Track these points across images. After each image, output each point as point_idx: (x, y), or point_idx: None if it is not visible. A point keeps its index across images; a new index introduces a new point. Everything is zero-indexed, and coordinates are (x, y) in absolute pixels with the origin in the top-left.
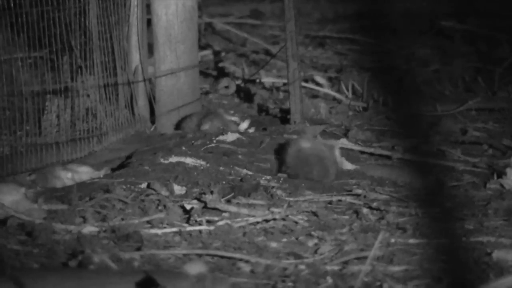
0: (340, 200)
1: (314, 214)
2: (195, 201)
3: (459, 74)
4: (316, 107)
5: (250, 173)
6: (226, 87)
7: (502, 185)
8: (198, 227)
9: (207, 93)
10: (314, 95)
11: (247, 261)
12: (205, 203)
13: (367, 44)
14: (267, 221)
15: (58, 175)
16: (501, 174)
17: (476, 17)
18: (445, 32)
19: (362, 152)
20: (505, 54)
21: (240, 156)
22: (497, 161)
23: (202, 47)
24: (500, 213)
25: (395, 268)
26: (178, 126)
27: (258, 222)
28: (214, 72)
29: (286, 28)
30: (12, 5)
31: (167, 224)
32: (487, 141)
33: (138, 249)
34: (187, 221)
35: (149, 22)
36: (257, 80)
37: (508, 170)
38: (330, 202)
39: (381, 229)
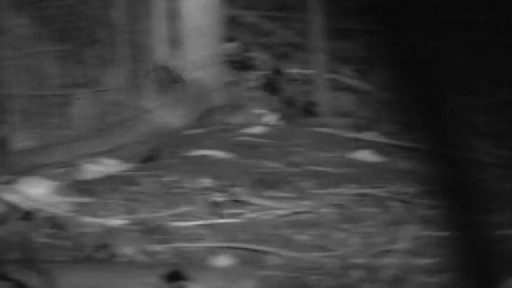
0: (367, 193)
1: (342, 206)
2: (222, 194)
3: (488, 66)
4: (343, 100)
5: (277, 165)
6: (253, 79)
7: None
8: (225, 220)
9: (233, 85)
10: (341, 88)
11: (275, 254)
12: (232, 195)
13: (394, 37)
14: (294, 213)
15: (86, 168)
16: None
17: (508, 9)
18: (474, 23)
19: (389, 145)
20: None
21: (267, 149)
22: None
23: (228, 40)
24: None
25: (423, 261)
26: (204, 118)
27: (285, 215)
28: (240, 65)
29: (312, 20)
30: None
31: (194, 216)
32: None
33: (165, 242)
34: (214, 213)
35: (174, 15)
36: (284, 73)
37: None
38: (358, 195)
39: (408, 222)
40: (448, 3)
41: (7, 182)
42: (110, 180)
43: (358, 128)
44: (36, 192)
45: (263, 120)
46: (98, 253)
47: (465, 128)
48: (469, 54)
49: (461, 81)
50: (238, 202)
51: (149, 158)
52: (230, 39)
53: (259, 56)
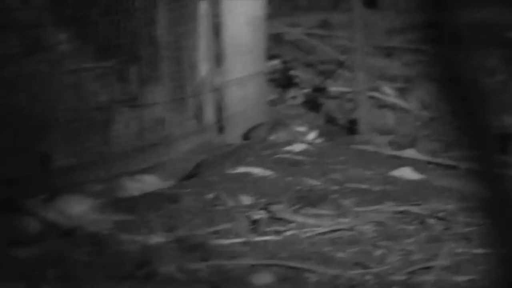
0: (406, 210)
1: (381, 224)
2: (262, 211)
3: None
4: (384, 117)
5: (317, 183)
6: (294, 97)
7: None
8: (265, 237)
9: (275, 103)
10: (382, 105)
11: (314, 272)
12: (272, 213)
13: (435, 55)
14: (334, 231)
15: (126, 186)
16: None
17: None
18: None
19: (429, 162)
20: None
21: (307, 167)
22: None
23: (270, 57)
24: None
25: (461, 278)
26: (245, 136)
27: (325, 232)
28: (282, 82)
29: (354, 38)
30: (79, 15)
31: (234, 234)
32: None
33: (205, 259)
34: (254, 231)
35: (218, 32)
36: (325, 90)
37: None
38: (397, 212)
39: (448, 239)
40: (490, 22)
41: (47, 200)
42: (151, 198)
43: (398, 146)
44: (76, 209)
45: (304, 137)
46: (139, 271)
47: (504, 145)
48: (510, 72)
49: (502, 99)
50: (278, 220)
51: (190, 176)
52: (273, 57)
53: (301, 74)
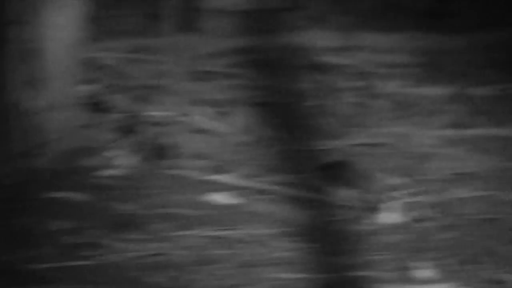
0: (221, 235)
1: (197, 248)
2: (79, 236)
3: (339, 109)
4: (200, 142)
5: (133, 208)
6: (110, 121)
7: (381, 220)
8: (78, 262)
9: (90, 127)
10: (198, 130)
11: None
12: (89, 238)
13: (252, 79)
14: (150, 256)
15: None
16: (379, 208)
17: (357, 52)
18: (326, 67)
19: (245, 187)
20: (387, 89)
21: (121, 191)
22: (374, 196)
23: (86, 82)
24: (379, 247)
25: None
26: (56, 160)
27: (141, 257)
28: (97, 107)
29: (170, 62)
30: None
31: (47, 258)
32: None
33: (16, 285)
34: (71, 256)
35: (34, 56)
36: (141, 115)
37: (387, 204)
38: (211, 237)
39: (262, 264)
40: (304, 46)
41: None
42: None
43: (214, 170)
44: None
45: (120, 162)
46: None
47: (319, 171)
48: (324, 96)
49: (317, 123)
50: (92, 244)
51: None
52: (88, 81)
53: (116, 98)
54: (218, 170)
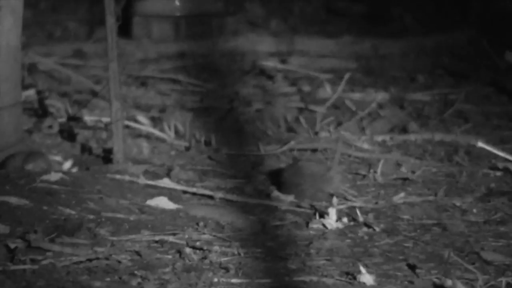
0: (163, 240)
1: (137, 253)
2: (19, 240)
3: (281, 114)
4: (139, 147)
5: (73, 212)
6: (50, 126)
7: (324, 225)
8: (22, 266)
9: (30, 132)
10: (137, 135)
11: None
12: (29, 242)
13: (190, 84)
14: (90, 260)
15: None
16: (323, 214)
17: (297, 57)
18: (267, 72)
19: (185, 192)
20: (326, 94)
21: (63, 196)
22: (316, 202)
23: (25, 87)
24: (322, 252)
25: None
26: (1, 165)
27: (81, 262)
28: (37, 112)
29: (109, 67)
30: None
31: None
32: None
33: None
34: (11, 260)
35: None
36: (81, 120)
37: (330, 210)
38: (153, 241)
39: (204, 268)
40: (245, 51)
41: None
42: None
43: (154, 175)
44: None
45: (60, 167)
46: None
47: (260, 176)
48: (265, 101)
49: (257, 128)
50: (34, 249)
51: None
52: (28, 86)
53: (56, 103)
54: (158, 175)
